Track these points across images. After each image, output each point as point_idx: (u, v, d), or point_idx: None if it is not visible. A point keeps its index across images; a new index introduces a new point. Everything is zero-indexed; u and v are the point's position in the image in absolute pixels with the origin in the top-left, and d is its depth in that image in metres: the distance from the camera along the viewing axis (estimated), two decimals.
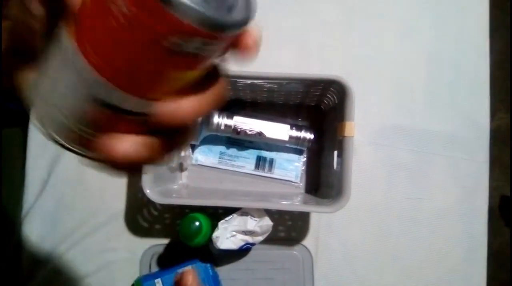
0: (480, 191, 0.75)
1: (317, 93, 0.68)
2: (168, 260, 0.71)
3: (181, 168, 0.74)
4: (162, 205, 0.74)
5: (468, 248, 0.74)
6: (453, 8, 0.80)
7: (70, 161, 0.76)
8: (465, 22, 0.80)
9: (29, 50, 0.21)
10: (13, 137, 0.79)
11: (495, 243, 1.43)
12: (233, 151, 0.74)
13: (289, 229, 0.73)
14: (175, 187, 0.71)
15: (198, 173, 0.74)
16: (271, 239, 0.69)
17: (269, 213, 0.66)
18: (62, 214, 0.75)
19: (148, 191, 0.60)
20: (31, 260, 0.73)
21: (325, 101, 0.70)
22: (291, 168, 0.74)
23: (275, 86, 0.64)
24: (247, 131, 0.69)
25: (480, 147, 0.76)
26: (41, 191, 0.75)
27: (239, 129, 0.69)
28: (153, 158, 0.21)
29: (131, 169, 0.22)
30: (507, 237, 1.44)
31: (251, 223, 0.63)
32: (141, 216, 0.74)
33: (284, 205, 0.63)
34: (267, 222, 0.64)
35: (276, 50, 0.79)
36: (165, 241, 0.73)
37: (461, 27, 0.80)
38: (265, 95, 0.70)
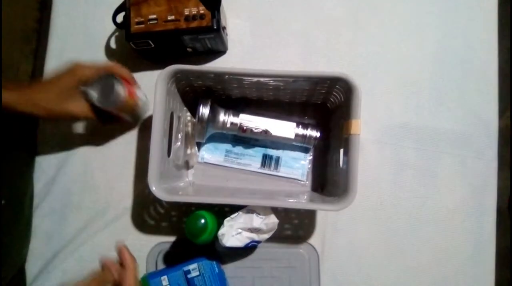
0: (488, 190, 0.74)
1: (323, 91, 0.67)
2: (174, 258, 0.71)
3: (187, 165, 0.74)
4: (169, 203, 0.74)
5: (476, 247, 0.73)
6: (460, 5, 0.79)
7: (78, 160, 0.76)
8: (473, 19, 0.79)
9: None
10: (22, 137, 0.80)
11: (504, 243, 1.42)
12: (239, 149, 0.74)
13: (295, 227, 0.73)
14: (181, 184, 0.72)
15: (204, 171, 0.75)
16: (277, 237, 0.69)
17: (275, 211, 0.66)
18: (70, 212, 0.75)
19: (154, 188, 0.60)
20: (39, 259, 0.74)
21: (331, 99, 0.70)
22: (297, 166, 0.74)
23: (281, 84, 0.64)
24: (253, 129, 0.69)
25: (488, 145, 0.75)
26: (48, 190, 0.75)
27: (245, 127, 0.69)
28: None
29: None
30: None
31: (257, 221, 0.63)
32: (147, 213, 0.75)
33: (290, 202, 0.63)
34: (273, 220, 0.64)
35: (282, 48, 0.79)
36: (172, 238, 0.73)
37: (469, 24, 0.79)
38: (271, 93, 0.70)
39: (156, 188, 0.60)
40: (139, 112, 0.72)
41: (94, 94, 0.62)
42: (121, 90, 0.63)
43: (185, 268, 0.65)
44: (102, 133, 0.77)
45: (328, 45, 0.79)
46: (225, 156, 0.74)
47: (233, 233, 0.63)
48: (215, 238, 0.64)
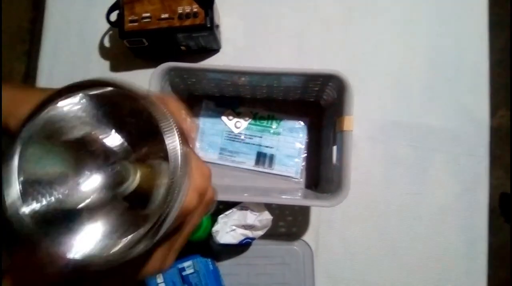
0: (480, 187, 0.75)
1: (316, 89, 0.68)
2: None
3: None
4: None
5: (468, 243, 0.74)
6: (452, 4, 0.80)
7: None
8: (464, 18, 0.80)
9: None
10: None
11: (496, 240, 1.43)
12: (233, 147, 0.75)
13: (289, 224, 0.74)
14: None
15: None
16: (272, 234, 0.69)
17: (269, 208, 0.67)
18: None
19: None
20: None
21: (324, 97, 0.70)
22: (292, 163, 0.74)
23: (275, 82, 0.65)
24: None
25: (479, 142, 0.76)
26: None
27: None
28: None
29: None
30: (508, 235, 1.43)
31: (251, 217, 0.63)
32: None
33: (284, 199, 0.63)
34: (266, 216, 0.64)
35: (276, 46, 0.79)
36: None
37: (460, 23, 0.80)
38: (264, 91, 0.71)
39: None
40: None
41: None
42: None
43: (180, 266, 0.66)
44: None
45: (322, 43, 0.79)
46: (220, 153, 0.75)
47: (227, 230, 0.63)
48: (210, 235, 0.64)
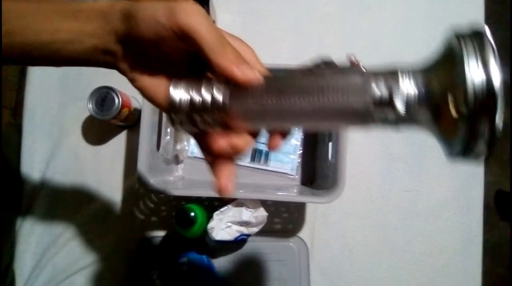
0: (476, 183, 0.75)
1: None
2: (164, 252, 0.71)
3: (176, 160, 0.74)
4: (158, 198, 0.74)
5: (464, 240, 0.74)
6: (450, 0, 0.80)
7: (66, 156, 0.76)
8: (462, 14, 0.80)
9: None
10: (7, 134, 0.79)
11: (492, 237, 1.44)
12: None
13: (285, 221, 0.74)
14: (171, 178, 0.72)
15: (194, 165, 0.75)
16: (267, 231, 0.69)
17: (265, 205, 0.67)
18: (59, 207, 0.75)
19: (143, 180, 0.60)
20: (29, 255, 0.73)
21: None
22: (287, 160, 0.74)
23: None
24: None
25: None
26: (39, 186, 0.75)
27: None
28: None
29: None
30: (503, 232, 1.44)
31: (246, 214, 0.63)
32: (137, 208, 0.74)
33: (279, 195, 0.63)
34: (262, 213, 0.64)
35: (273, 43, 0.79)
36: (161, 233, 0.73)
37: (458, 19, 0.80)
38: None
39: (146, 181, 0.60)
40: (132, 119, 0.74)
41: (89, 106, 0.66)
42: (116, 101, 0.66)
43: (175, 262, 0.66)
44: (92, 128, 0.77)
45: (319, 40, 0.79)
46: None
47: (222, 227, 0.63)
48: (205, 232, 0.64)
